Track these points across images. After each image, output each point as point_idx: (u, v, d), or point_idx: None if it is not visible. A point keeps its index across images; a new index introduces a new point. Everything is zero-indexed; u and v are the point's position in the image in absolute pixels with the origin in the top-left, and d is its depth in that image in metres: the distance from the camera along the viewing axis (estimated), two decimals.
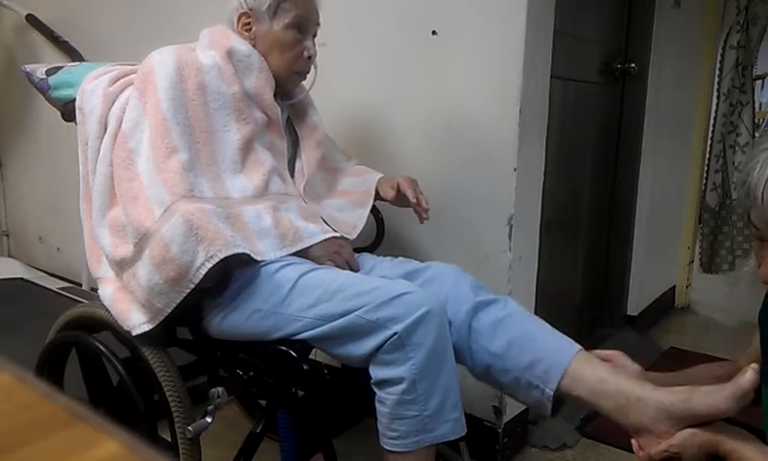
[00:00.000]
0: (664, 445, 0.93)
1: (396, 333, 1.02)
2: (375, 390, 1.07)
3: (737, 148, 2.82)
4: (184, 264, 1.05)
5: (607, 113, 2.36)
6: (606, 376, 1.04)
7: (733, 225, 2.87)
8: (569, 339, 1.14)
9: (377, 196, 1.45)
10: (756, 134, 2.93)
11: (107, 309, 1.21)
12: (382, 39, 1.70)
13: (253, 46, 1.30)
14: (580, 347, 1.12)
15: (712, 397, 0.90)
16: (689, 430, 0.92)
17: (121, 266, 1.15)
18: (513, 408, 1.65)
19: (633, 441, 0.99)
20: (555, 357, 1.09)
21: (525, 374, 1.11)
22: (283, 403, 1.17)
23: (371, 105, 1.76)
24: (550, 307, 1.89)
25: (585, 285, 2.38)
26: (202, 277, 1.06)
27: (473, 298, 1.19)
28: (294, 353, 1.10)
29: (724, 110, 2.79)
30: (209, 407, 1.15)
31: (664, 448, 0.93)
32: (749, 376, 0.86)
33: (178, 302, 1.09)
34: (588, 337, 2.31)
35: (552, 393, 1.09)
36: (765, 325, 0.97)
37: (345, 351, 1.08)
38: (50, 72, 1.39)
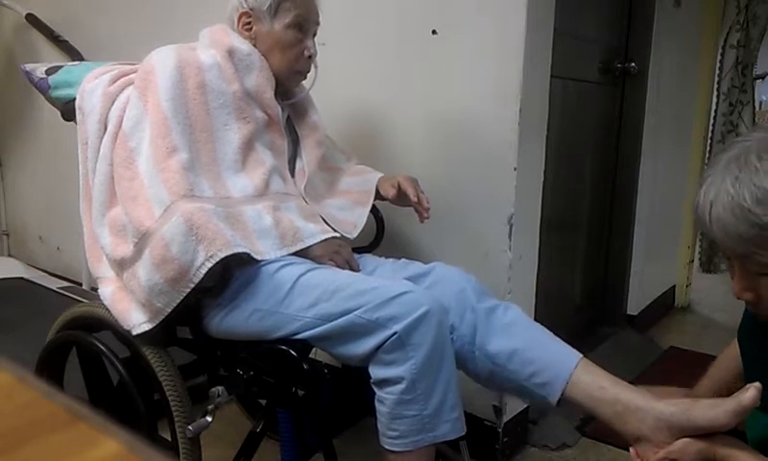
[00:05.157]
0: (663, 452, 0.95)
1: (395, 333, 1.02)
2: (375, 390, 1.07)
3: None
4: (184, 264, 1.05)
5: (607, 113, 2.36)
6: (605, 384, 1.05)
7: None
8: (570, 348, 1.15)
9: (378, 195, 1.45)
10: None
11: (107, 309, 1.21)
12: (382, 39, 1.70)
13: (254, 46, 1.30)
14: (581, 355, 1.13)
15: (713, 410, 0.92)
16: (687, 439, 0.93)
17: (121, 266, 1.15)
18: (513, 408, 1.65)
19: (631, 449, 1.00)
20: (557, 368, 1.10)
21: (527, 383, 1.13)
22: (283, 403, 1.17)
23: (370, 104, 1.76)
24: (550, 307, 1.89)
25: (585, 285, 2.38)
26: (202, 276, 1.06)
27: (476, 304, 1.19)
28: (294, 353, 1.10)
29: (724, 110, 2.80)
30: (209, 407, 1.15)
31: (663, 456, 0.94)
32: (750, 393, 0.88)
33: (178, 301, 1.09)
34: (588, 337, 2.31)
35: (556, 401, 1.10)
36: (745, 342, 0.98)
37: (344, 351, 1.08)
38: (50, 71, 1.39)
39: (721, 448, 0.90)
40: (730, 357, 1.08)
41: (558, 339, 1.17)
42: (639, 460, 0.98)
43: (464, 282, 1.23)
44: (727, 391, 1.01)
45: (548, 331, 1.19)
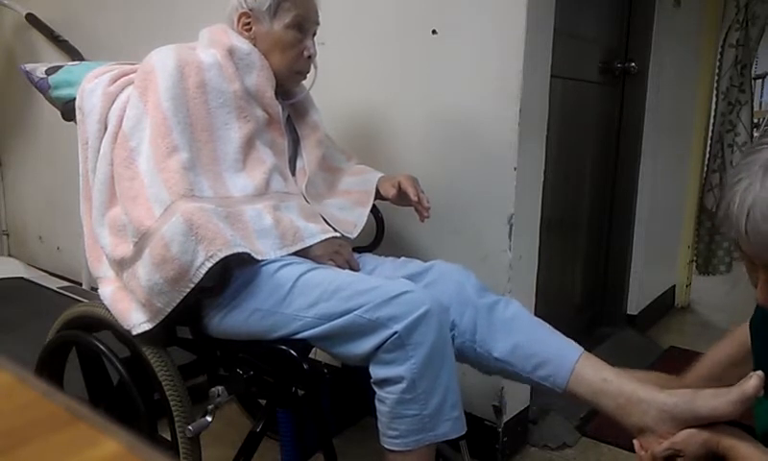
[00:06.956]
0: (667, 443, 0.95)
1: (395, 332, 1.02)
2: (375, 389, 1.07)
3: (735, 147, 2.80)
4: (184, 263, 1.05)
5: (607, 113, 2.36)
6: (608, 376, 1.06)
7: None
8: (572, 342, 1.16)
9: (378, 195, 1.45)
10: (756, 133, 2.92)
11: (107, 309, 1.21)
12: (382, 39, 1.70)
13: (254, 46, 1.30)
14: (582, 349, 1.13)
15: (716, 400, 0.92)
16: (691, 429, 0.94)
17: (121, 265, 1.15)
18: (513, 408, 1.65)
19: (635, 441, 1.00)
20: (560, 361, 1.11)
21: (531, 376, 1.14)
22: (283, 403, 1.17)
23: (370, 104, 1.76)
24: (550, 307, 1.89)
25: (585, 285, 2.38)
26: (202, 276, 1.06)
27: (477, 300, 1.20)
28: (294, 353, 1.10)
29: (722, 109, 2.79)
30: (209, 406, 1.15)
31: (667, 447, 0.94)
32: (753, 382, 0.88)
33: (178, 301, 1.09)
34: (588, 337, 2.31)
35: (562, 390, 1.11)
36: (757, 334, 0.98)
37: (345, 351, 1.08)
38: (50, 71, 1.39)
39: (724, 438, 0.90)
40: (728, 344, 1.07)
41: (559, 333, 1.18)
42: (643, 452, 0.98)
43: (463, 279, 1.23)
44: (719, 375, 1.02)
45: (549, 326, 1.20)
